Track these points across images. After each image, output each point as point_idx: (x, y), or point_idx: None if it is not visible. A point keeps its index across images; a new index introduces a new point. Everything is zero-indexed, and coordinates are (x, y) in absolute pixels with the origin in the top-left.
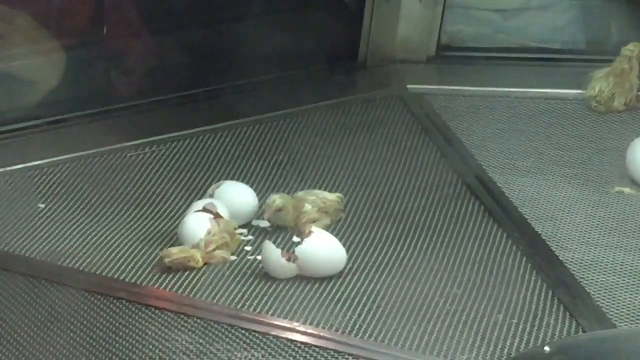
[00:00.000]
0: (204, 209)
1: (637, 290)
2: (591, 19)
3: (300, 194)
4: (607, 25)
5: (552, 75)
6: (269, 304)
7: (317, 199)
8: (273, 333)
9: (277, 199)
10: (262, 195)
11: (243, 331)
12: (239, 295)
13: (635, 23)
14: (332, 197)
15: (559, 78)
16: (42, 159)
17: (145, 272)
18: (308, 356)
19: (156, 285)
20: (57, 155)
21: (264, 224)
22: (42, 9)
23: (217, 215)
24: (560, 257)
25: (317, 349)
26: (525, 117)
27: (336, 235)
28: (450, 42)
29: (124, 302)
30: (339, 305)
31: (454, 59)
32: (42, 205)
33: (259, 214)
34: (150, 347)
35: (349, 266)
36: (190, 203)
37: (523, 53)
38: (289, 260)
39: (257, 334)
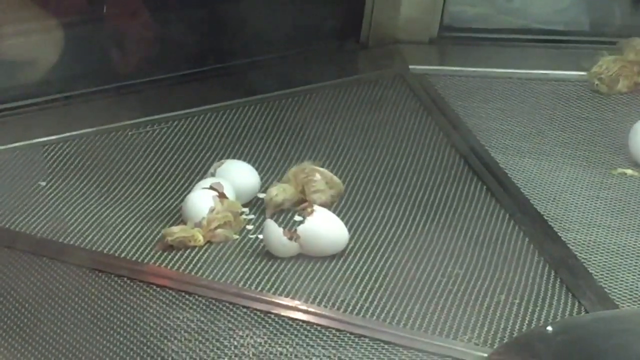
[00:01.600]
0: (210, 187)
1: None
2: (594, 0)
3: (307, 165)
4: (611, 6)
5: (555, 56)
6: (270, 283)
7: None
8: (274, 311)
9: (276, 195)
10: (264, 174)
11: (244, 309)
12: (241, 274)
13: (638, 5)
14: (335, 177)
15: (561, 59)
16: (43, 137)
17: (147, 250)
18: (310, 335)
19: (158, 263)
20: (58, 133)
21: None
22: None
23: (221, 195)
24: (562, 238)
25: (318, 328)
26: (528, 98)
27: (338, 214)
28: (453, 22)
29: (125, 279)
30: (340, 284)
31: (456, 39)
32: (44, 183)
33: (261, 191)
34: (152, 324)
35: (351, 245)
36: (193, 181)
37: (526, 34)
38: (290, 239)
39: (258, 313)
